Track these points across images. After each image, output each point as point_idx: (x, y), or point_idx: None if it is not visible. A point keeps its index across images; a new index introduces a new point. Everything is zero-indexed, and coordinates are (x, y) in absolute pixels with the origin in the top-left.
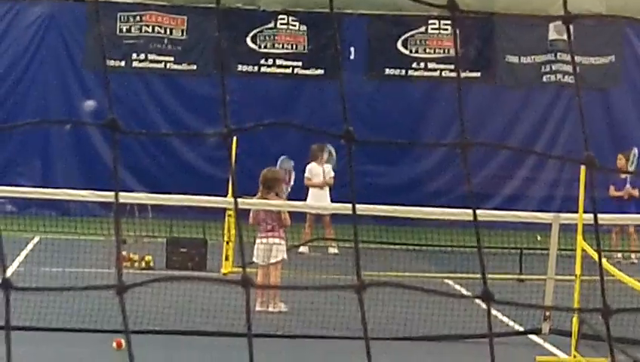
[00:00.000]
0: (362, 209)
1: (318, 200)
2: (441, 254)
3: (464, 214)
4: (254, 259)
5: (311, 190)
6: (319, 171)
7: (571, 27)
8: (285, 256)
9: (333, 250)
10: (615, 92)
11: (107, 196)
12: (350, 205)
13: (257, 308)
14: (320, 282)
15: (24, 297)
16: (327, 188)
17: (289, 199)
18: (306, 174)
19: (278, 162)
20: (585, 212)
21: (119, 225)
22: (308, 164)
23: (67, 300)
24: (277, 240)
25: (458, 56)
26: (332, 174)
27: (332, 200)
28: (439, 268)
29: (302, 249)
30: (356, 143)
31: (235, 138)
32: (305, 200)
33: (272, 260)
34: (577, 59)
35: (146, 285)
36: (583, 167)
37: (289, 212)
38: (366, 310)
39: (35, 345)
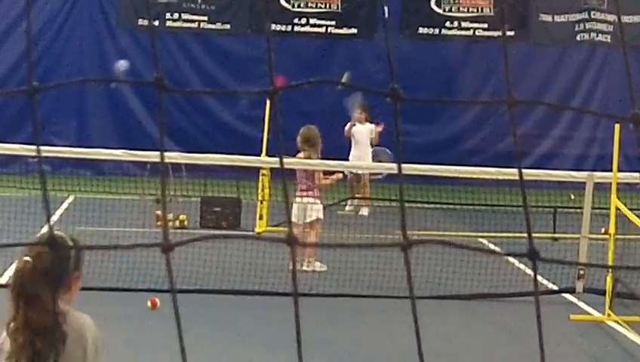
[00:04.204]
0: (396, 168)
1: (359, 159)
2: (475, 213)
3: (498, 173)
4: (292, 219)
5: (352, 148)
6: (356, 129)
7: None
8: (321, 216)
9: (364, 212)
10: None
11: (141, 155)
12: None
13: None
14: (354, 241)
15: None
16: (369, 147)
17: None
18: (346, 127)
19: None
20: (619, 170)
21: (165, 186)
22: (348, 123)
23: (101, 259)
24: (312, 200)
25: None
26: (372, 135)
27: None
28: (473, 227)
29: (347, 208)
30: (402, 101)
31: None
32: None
33: (308, 219)
34: (611, 17)
35: (187, 244)
36: (617, 126)
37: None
38: (400, 268)
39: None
